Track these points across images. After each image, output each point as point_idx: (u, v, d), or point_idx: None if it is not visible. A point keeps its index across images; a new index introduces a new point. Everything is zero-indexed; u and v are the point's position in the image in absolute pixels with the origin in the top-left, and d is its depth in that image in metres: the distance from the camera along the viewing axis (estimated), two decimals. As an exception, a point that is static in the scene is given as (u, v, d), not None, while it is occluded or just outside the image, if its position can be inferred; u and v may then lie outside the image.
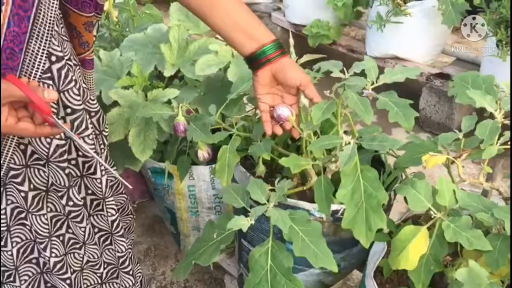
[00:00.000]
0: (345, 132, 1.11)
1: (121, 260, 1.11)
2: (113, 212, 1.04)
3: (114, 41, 1.70)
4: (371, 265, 1.08)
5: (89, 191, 1.01)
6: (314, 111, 0.98)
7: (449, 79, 2.32)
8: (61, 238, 1.00)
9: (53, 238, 0.99)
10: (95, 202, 1.03)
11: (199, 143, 1.19)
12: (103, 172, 0.99)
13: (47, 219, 0.96)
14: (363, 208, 0.94)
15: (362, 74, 1.05)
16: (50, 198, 0.96)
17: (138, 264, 1.23)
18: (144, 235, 1.95)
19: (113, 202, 1.03)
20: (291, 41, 1.19)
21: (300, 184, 1.15)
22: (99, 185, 0.99)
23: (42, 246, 0.98)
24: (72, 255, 1.04)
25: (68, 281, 1.02)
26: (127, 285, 1.15)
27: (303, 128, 1.04)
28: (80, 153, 0.95)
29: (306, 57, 1.23)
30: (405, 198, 0.99)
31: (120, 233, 1.07)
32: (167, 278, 1.75)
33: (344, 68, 1.06)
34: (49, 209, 0.97)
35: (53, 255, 0.99)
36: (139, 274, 1.23)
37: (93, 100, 0.97)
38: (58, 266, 1.00)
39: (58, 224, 0.99)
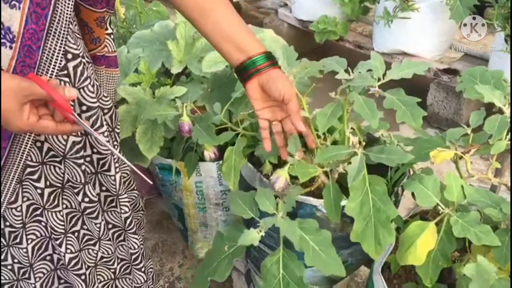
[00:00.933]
0: (351, 130, 1.10)
1: (133, 257, 1.12)
2: (126, 209, 1.04)
3: (121, 38, 1.71)
4: (378, 261, 1.07)
5: (103, 188, 1.02)
6: (318, 118, 0.97)
7: (457, 75, 2.31)
8: (76, 234, 1.01)
9: (68, 235, 1.00)
10: (109, 199, 1.04)
11: (205, 144, 1.19)
12: (117, 169, 1.00)
13: (63, 215, 0.97)
14: (371, 222, 0.94)
15: (369, 70, 1.04)
16: (65, 194, 0.97)
17: (150, 260, 1.23)
18: (151, 231, 1.95)
19: (127, 199, 1.04)
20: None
21: (307, 182, 1.14)
22: (113, 182, 1.00)
23: (57, 242, 0.99)
24: (86, 251, 1.05)
25: (83, 277, 1.03)
26: (139, 282, 1.16)
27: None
28: (95, 150, 0.96)
29: (303, 63, 1.18)
30: (412, 193, 0.99)
31: (133, 230, 1.08)
32: (175, 274, 1.76)
33: (349, 68, 1.05)
34: (64, 206, 0.97)
35: (68, 251, 0.99)
36: (151, 270, 1.24)
37: (106, 97, 0.98)
38: (73, 262, 1.01)
39: (74, 220, 1.00)
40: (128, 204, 1.04)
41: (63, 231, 0.98)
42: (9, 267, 1.00)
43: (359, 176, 0.91)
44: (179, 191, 1.52)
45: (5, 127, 0.79)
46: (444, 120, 2.44)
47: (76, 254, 1.01)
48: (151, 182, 0.93)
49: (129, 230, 1.07)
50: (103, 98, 0.97)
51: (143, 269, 1.14)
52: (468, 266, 0.87)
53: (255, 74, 0.95)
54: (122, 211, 1.04)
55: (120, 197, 1.02)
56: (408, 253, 0.94)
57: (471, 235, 0.90)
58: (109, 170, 0.98)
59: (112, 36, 1.00)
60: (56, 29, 0.81)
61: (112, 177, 0.99)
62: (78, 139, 0.91)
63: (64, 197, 0.97)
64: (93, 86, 0.91)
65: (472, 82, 1.10)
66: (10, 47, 0.78)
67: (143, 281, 1.16)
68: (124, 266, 1.15)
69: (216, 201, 1.52)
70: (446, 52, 2.52)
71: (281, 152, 1.05)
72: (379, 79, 1.01)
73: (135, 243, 1.09)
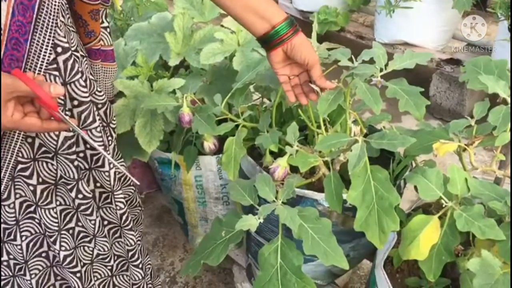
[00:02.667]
0: (353, 121, 1.09)
1: (130, 254, 1.10)
2: (122, 205, 1.03)
3: (119, 30, 1.68)
4: (381, 255, 1.06)
5: (98, 184, 1.00)
6: (320, 103, 0.96)
7: (460, 65, 2.29)
8: (70, 231, 1.00)
9: (62, 232, 0.98)
10: (103, 195, 1.02)
11: (205, 134, 1.17)
12: (111, 165, 0.98)
13: (56, 212, 0.96)
14: (375, 210, 0.92)
15: (371, 61, 1.02)
16: (59, 191, 0.96)
17: (148, 256, 1.22)
18: (152, 225, 1.94)
19: (122, 196, 1.03)
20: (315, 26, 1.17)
21: (307, 174, 1.13)
22: (107, 178, 0.98)
23: (51, 239, 0.97)
24: (82, 248, 1.04)
25: (78, 275, 1.02)
26: (137, 278, 1.14)
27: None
28: (88, 146, 0.94)
29: (325, 45, 1.21)
30: (415, 186, 0.97)
31: (129, 226, 1.06)
32: (176, 268, 1.75)
33: (352, 56, 1.03)
34: (58, 203, 0.96)
35: (62, 248, 0.98)
36: (149, 266, 1.22)
37: (99, 91, 0.96)
38: (68, 259, 1.00)
39: (68, 217, 0.99)
40: (123, 200, 1.03)
41: (57, 228, 0.96)
42: (5, 263, 0.99)
43: (360, 164, 0.90)
44: (179, 185, 1.51)
45: None
46: (446, 111, 2.41)
47: (71, 251, 1.00)
48: (138, 183, 0.93)
49: (125, 226, 1.06)
50: (97, 92, 0.95)
51: (140, 266, 1.13)
52: (472, 261, 0.85)
53: (281, 43, 0.96)
54: (118, 208, 1.02)
55: (115, 193, 1.01)
56: (411, 248, 0.92)
57: (475, 229, 0.88)
58: (102, 166, 0.97)
59: (108, 30, 0.98)
60: (44, 22, 0.79)
61: (106, 173, 0.97)
62: (70, 134, 0.89)
63: (57, 193, 0.95)
64: (85, 80, 0.89)
65: (475, 72, 1.07)
66: None
67: (140, 277, 1.14)
68: (121, 263, 1.13)
69: (216, 195, 1.51)
70: (449, 42, 2.49)
71: (299, 98, 1.05)
72: (381, 69, 0.99)
73: (132, 239, 1.08)
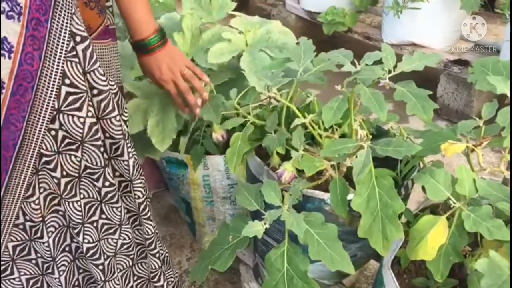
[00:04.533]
0: (359, 123, 1.09)
1: (148, 242, 1.12)
2: (140, 194, 1.04)
3: (127, 30, 1.69)
4: (388, 255, 1.06)
5: (117, 173, 1.02)
6: (324, 112, 0.96)
7: (467, 66, 2.28)
8: (94, 224, 1.01)
9: (86, 225, 1.00)
10: (123, 184, 1.04)
11: (214, 125, 1.19)
12: (130, 154, 0.99)
13: (80, 205, 0.97)
14: (379, 217, 0.93)
15: (379, 61, 1.02)
16: (82, 184, 0.97)
17: (160, 243, 1.23)
18: (159, 224, 1.95)
19: (141, 185, 1.04)
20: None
21: (315, 175, 1.13)
22: (127, 167, 1.00)
23: (75, 231, 0.99)
24: (106, 241, 1.05)
25: (101, 267, 1.04)
26: (155, 267, 1.16)
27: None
28: (108, 135, 0.96)
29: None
30: (423, 187, 0.97)
31: (147, 215, 1.08)
32: (183, 267, 1.75)
33: (355, 60, 1.03)
34: (82, 196, 0.97)
35: (86, 241, 1.00)
36: (165, 254, 1.23)
37: (112, 81, 0.98)
38: (91, 252, 1.01)
39: (92, 210, 1.00)
40: (141, 189, 1.04)
41: (80, 221, 0.98)
42: (33, 261, 1.00)
43: (365, 170, 0.90)
44: (186, 184, 1.51)
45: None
46: (454, 112, 2.40)
47: (94, 244, 1.01)
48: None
49: (143, 215, 1.07)
50: (110, 82, 0.97)
51: (157, 255, 1.14)
52: (480, 261, 0.85)
53: (152, 52, 1.11)
54: (136, 196, 1.04)
55: (134, 182, 1.02)
56: (418, 248, 0.92)
57: (483, 229, 0.88)
58: (122, 155, 0.98)
59: (111, 9, 1.03)
60: (61, 7, 0.82)
61: (126, 162, 0.99)
62: (94, 120, 0.91)
63: (81, 187, 0.97)
64: (102, 69, 0.91)
65: (483, 73, 1.07)
66: (18, 19, 0.79)
67: (158, 266, 1.16)
68: (141, 251, 1.15)
69: (223, 195, 1.52)
70: (457, 42, 2.48)
71: (194, 110, 1.23)
72: (389, 71, 0.99)
73: (150, 228, 1.09)
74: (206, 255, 1.11)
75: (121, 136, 0.95)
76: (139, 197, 1.04)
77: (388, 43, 2.35)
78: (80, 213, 0.97)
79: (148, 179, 1.83)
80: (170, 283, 1.24)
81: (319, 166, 1.03)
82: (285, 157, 1.23)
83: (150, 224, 1.09)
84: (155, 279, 1.17)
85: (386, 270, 1.04)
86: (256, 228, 0.99)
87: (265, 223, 0.99)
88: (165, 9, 1.77)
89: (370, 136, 1.09)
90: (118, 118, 0.94)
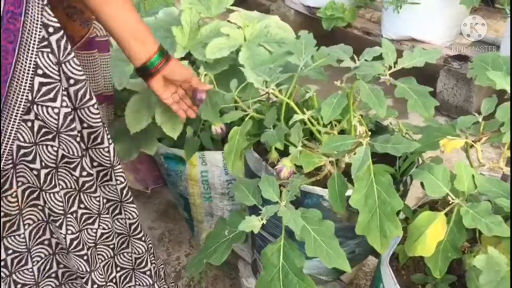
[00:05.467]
0: (359, 119, 1.08)
1: (132, 227, 1.12)
2: (122, 179, 1.04)
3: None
4: (386, 252, 1.06)
5: (95, 163, 1.02)
6: (323, 108, 0.96)
7: (467, 61, 2.27)
8: (74, 215, 1.01)
9: (68, 215, 0.99)
10: (101, 173, 1.04)
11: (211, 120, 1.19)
12: (110, 141, 0.99)
13: (61, 196, 0.97)
14: (377, 215, 0.92)
15: (379, 57, 1.01)
16: (60, 174, 0.97)
17: (148, 236, 1.23)
18: (158, 220, 1.95)
19: (121, 170, 1.04)
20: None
21: (313, 171, 1.13)
22: (107, 154, 1.00)
23: (57, 224, 0.98)
24: (86, 231, 1.05)
25: (85, 257, 1.04)
26: (140, 252, 1.16)
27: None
28: (85, 125, 0.96)
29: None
30: (421, 183, 0.97)
31: (130, 199, 1.08)
32: (182, 263, 1.75)
33: (355, 56, 1.02)
34: (60, 187, 0.97)
35: (69, 232, 0.99)
36: (150, 245, 1.23)
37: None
38: (75, 243, 1.01)
39: (71, 200, 1.00)
40: (123, 174, 1.04)
41: (62, 212, 0.98)
42: (2, 263, 1.00)
43: (363, 167, 0.90)
44: (185, 180, 1.51)
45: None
46: (454, 107, 2.40)
47: (77, 234, 1.01)
48: None
49: (125, 200, 1.07)
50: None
51: (143, 239, 1.14)
52: (479, 257, 0.85)
53: (156, 73, 1.09)
54: (118, 182, 1.04)
55: (115, 168, 1.02)
56: (417, 244, 0.92)
57: (482, 225, 0.88)
58: (102, 142, 0.98)
59: None
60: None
61: (106, 149, 0.99)
62: (69, 109, 0.91)
63: (59, 177, 0.97)
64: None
65: (484, 68, 1.07)
66: None
67: (144, 250, 1.16)
68: (122, 240, 1.15)
69: (221, 191, 1.51)
70: (457, 38, 2.47)
71: (188, 114, 1.24)
72: (390, 68, 0.99)
73: (134, 212, 1.09)
74: (202, 249, 1.11)
75: (100, 124, 0.96)
76: (121, 182, 1.04)
77: (387, 38, 2.35)
78: (61, 204, 0.97)
79: (147, 175, 1.84)
80: (160, 269, 1.25)
81: (317, 162, 1.02)
82: (284, 152, 1.22)
83: (134, 207, 1.09)
84: (142, 265, 1.18)
85: (385, 266, 1.04)
86: (253, 223, 0.99)
87: (262, 219, 0.99)
88: (164, 4, 1.76)
89: (369, 133, 1.08)
90: (95, 106, 0.95)
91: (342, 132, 1.13)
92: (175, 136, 1.33)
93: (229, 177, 1.47)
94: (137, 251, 1.15)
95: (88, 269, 1.04)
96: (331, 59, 1.09)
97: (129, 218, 1.10)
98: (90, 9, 0.95)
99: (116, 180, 1.04)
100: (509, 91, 0.98)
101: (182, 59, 1.44)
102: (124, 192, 1.06)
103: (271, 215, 1.01)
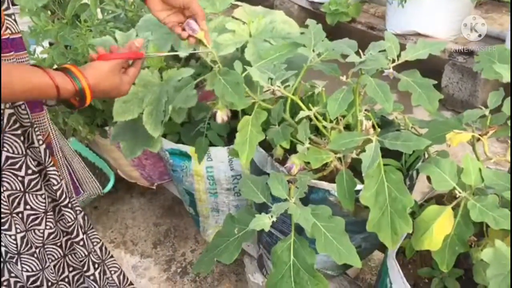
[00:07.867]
0: (365, 114, 1.07)
1: (70, 230, 1.12)
2: (55, 182, 1.05)
3: (130, 21, 1.68)
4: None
5: (35, 162, 1.02)
6: (329, 104, 0.95)
7: (472, 55, 2.26)
8: (20, 215, 1.02)
9: (13, 215, 1.01)
10: (43, 173, 1.05)
11: (219, 103, 1.13)
12: (40, 141, 1.00)
13: (5, 197, 0.98)
14: (387, 212, 0.92)
15: (383, 51, 1.01)
16: (4, 176, 0.97)
17: (93, 230, 1.21)
18: (163, 216, 1.95)
19: (54, 171, 1.04)
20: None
21: (320, 166, 1.12)
22: (39, 153, 1.01)
23: (6, 226, 1.00)
24: (33, 231, 1.06)
25: (35, 255, 1.05)
26: (81, 255, 1.16)
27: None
28: (19, 124, 0.97)
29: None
30: (428, 177, 0.97)
31: (65, 202, 1.08)
32: (187, 259, 1.76)
33: (360, 50, 1.02)
34: (4, 188, 0.98)
35: (18, 230, 1.01)
36: (96, 241, 1.22)
37: None
38: (24, 241, 1.03)
39: (16, 201, 1.01)
40: (56, 176, 1.04)
41: (8, 211, 0.99)
42: None
43: (373, 165, 0.89)
44: (190, 176, 1.51)
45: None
46: (459, 102, 2.39)
47: (24, 233, 1.03)
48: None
49: (61, 203, 1.07)
50: None
51: (81, 243, 1.14)
52: (486, 251, 0.85)
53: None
54: (52, 184, 1.05)
55: (48, 168, 1.03)
56: (424, 238, 0.91)
57: (489, 219, 0.87)
58: (33, 142, 1.00)
59: (13, 17, 0.94)
60: None
61: (37, 149, 1.00)
62: (12, 111, 0.92)
63: (3, 180, 0.97)
64: None
65: (490, 61, 1.06)
66: None
67: (84, 255, 1.16)
68: (70, 242, 1.15)
69: (227, 186, 1.51)
70: (461, 32, 2.46)
71: (190, 40, 1.12)
72: (393, 61, 0.98)
73: (69, 216, 1.09)
74: (210, 247, 1.10)
75: (29, 124, 0.97)
76: (54, 184, 1.05)
77: (392, 33, 2.34)
78: (6, 205, 0.98)
79: (152, 171, 1.84)
80: (113, 272, 1.26)
81: (325, 159, 1.02)
82: (289, 149, 1.22)
83: (70, 212, 1.09)
84: (85, 268, 1.18)
85: (391, 260, 1.04)
86: (263, 221, 0.98)
87: (272, 216, 0.98)
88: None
89: (378, 130, 1.08)
90: (23, 107, 0.96)
91: (347, 126, 1.13)
92: (155, 136, 1.32)
93: (235, 172, 1.47)
94: (79, 255, 1.16)
95: (40, 267, 1.06)
96: (335, 53, 1.09)
97: (67, 221, 1.10)
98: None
99: (50, 181, 1.04)
100: (516, 84, 0.98)
101: (188, 58, 1.44)
102: (59, 193, 1.06)
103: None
